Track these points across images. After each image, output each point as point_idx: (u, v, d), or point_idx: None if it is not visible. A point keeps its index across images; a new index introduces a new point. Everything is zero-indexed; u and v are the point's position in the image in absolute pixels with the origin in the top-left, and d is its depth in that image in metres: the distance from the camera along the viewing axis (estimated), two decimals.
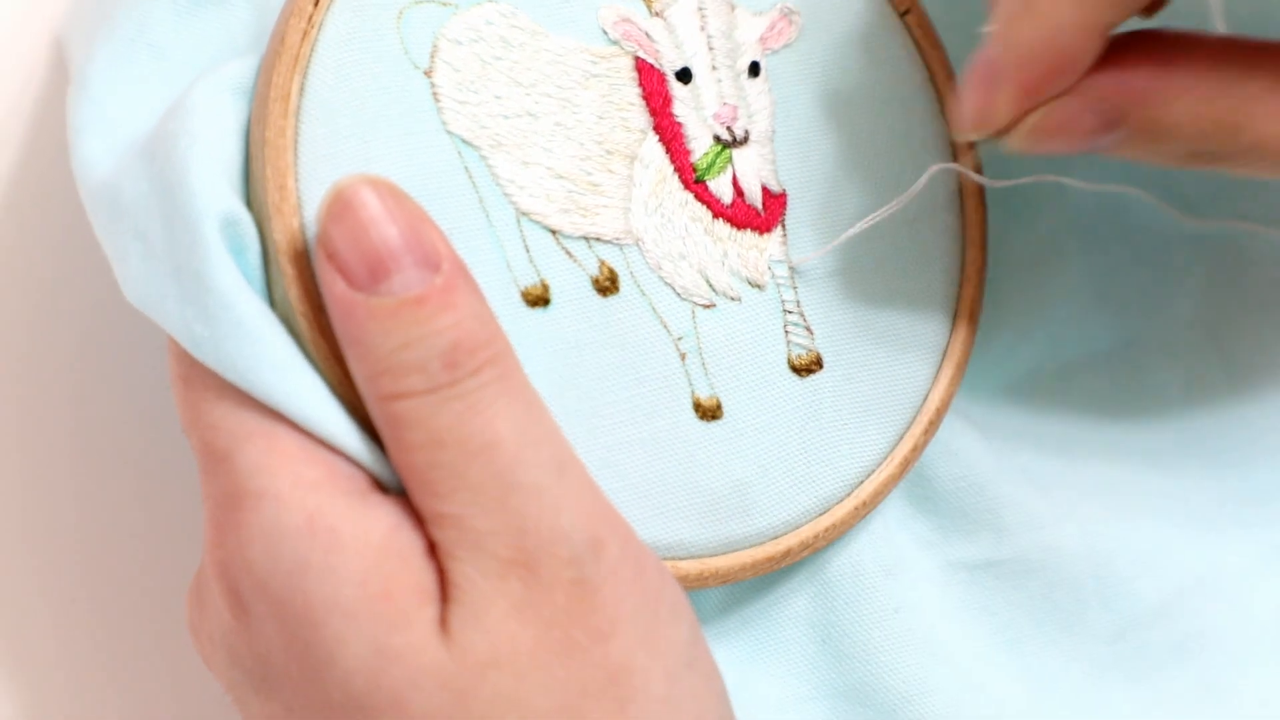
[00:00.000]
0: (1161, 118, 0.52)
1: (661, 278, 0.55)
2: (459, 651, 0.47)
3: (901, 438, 0.57)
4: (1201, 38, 0.52)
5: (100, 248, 0.52)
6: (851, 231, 0.56)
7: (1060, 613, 0.60)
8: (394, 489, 0.49)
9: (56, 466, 0.61)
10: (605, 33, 0.55)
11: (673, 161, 0.55)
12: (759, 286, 0.56)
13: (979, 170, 0.58)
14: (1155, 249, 0.64)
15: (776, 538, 0.56)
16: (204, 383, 0.49)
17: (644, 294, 0.54)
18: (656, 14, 0.55)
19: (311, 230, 0.50)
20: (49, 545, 0.61)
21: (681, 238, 0.55)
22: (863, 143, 0.57)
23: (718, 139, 0.56)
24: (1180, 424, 0.64)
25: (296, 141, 0.51)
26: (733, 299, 0.55)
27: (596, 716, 0.47)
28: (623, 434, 0.54)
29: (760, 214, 0.56)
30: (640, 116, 0.55)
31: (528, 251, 0.53)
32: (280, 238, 0.50)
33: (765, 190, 0.56)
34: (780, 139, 0.57)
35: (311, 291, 0.49)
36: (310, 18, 0.51)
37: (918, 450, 0.58)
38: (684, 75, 0.55)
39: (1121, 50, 0.52)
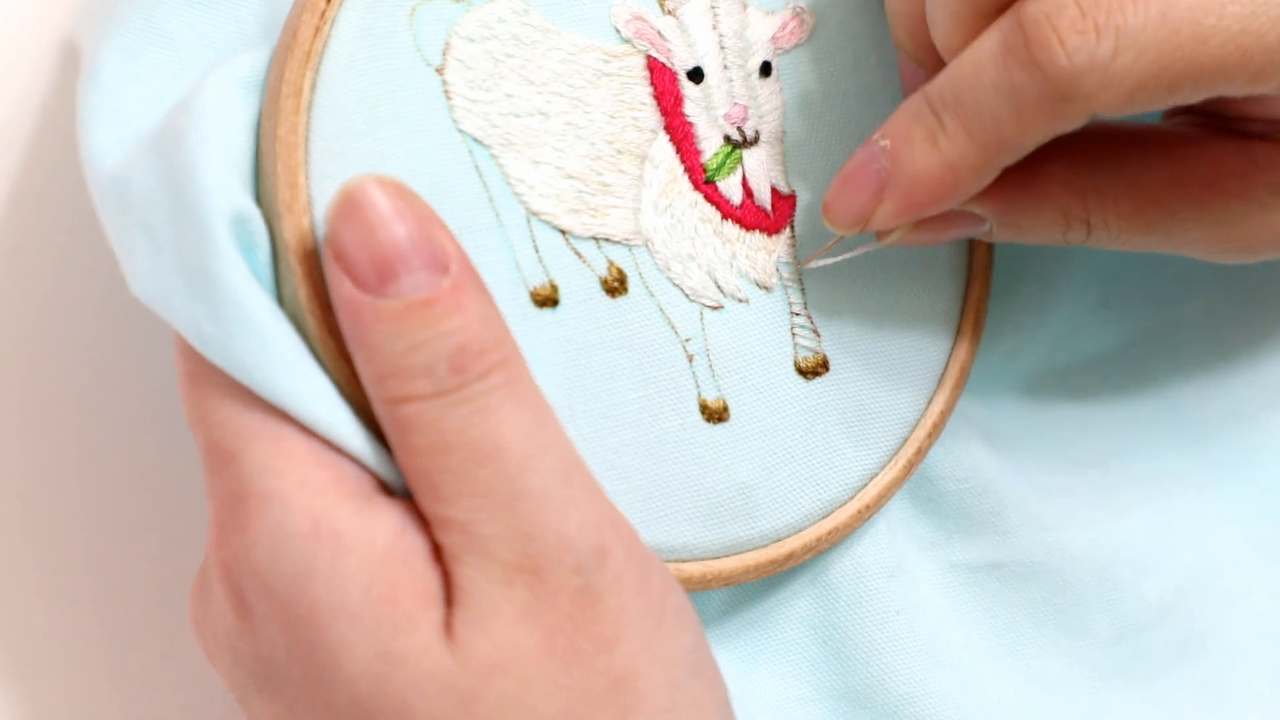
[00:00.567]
0: (1018, 222, 0.55)
1: (670, 279, 0.55)
2: (463, 656, 0.47)
3: (906, 441, 0.57)
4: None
5: (107, 241, 0.51)
6: (862, 249, 0.55)
7: (1062, 615, 0.60)
8: (400, 491, 0.49)
9: (60, 461, 0.61)
10: (617, 31, 0.55)
11: (683, 161, 0.55)
12: (767, 288, 0.56)
13: None
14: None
15: (780, 540, 0.56)
16: (211, 380, 0.49)
17: (652, 295, 0.54)
18: (669, 12, 0.55)
19: (321, 229, 0.49)
20: (52, 541, 0.61)
21: (691, 239, 0.55)
22: None
23: (728, 139, 0.56)
24: (1183, 425, 0.64)
25: (308, 138, 0.50)
26: (740, 301, 0.55)
27: None
28: (629, 435, 0.53)
29: (769, 215, 0.56)
30: (651, 116, 0.55)
31: (537, 252, 0.53)
32: (290, 236, 0.50)
33: (775, 191, 0.56)
34: (790, 140, 0.56)
35: (320, 290, 0.49)
36: (323, 13, 0.51)
37: (921, 453, 0.58)
38: (696, 75, 0.55)
39: None
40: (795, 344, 0.56)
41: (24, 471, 0.61)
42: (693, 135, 0.55)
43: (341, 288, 0.48)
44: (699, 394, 0.55)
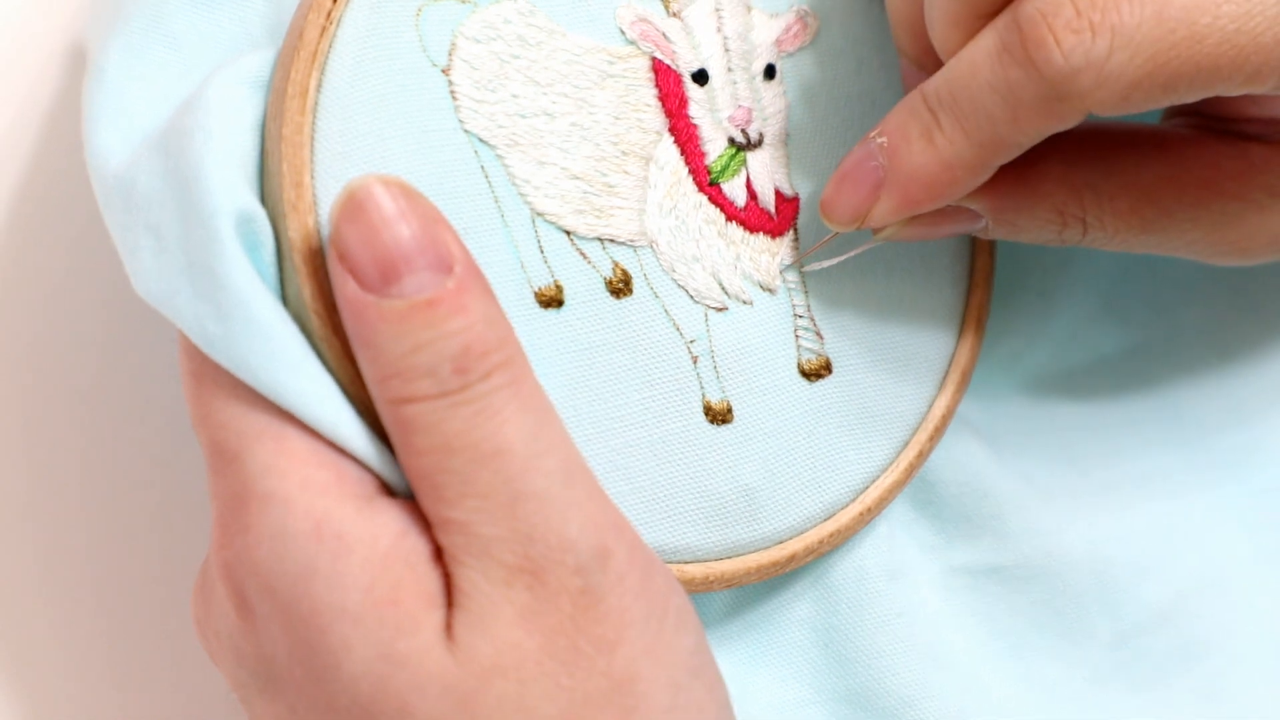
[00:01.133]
0: (1014, 219, 0.55)
1: (675, 280, 0.55)
2: (464, 657, 0.47)
3: (907, 444, 0.57)
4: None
5: (111, 240, 0.51)
6: (864, 247, 0.56)
7: (1062, 619, 0.60)
8: (402, 492, 0.49)
9: (63, 461, 0.61)
10: (622, 33, 0.55)
11: (688, 163, 0.55)
12: (770, 290, 0.56)
13: None
14: (1161, 256, 0.64)
15: (782, 542, 0.56)
16: (215, 380, 0.49)
17: (657, 296, 0.54)
18: (674, 14, 0.55)
19: (326, 229, 0.50)
20: (55, 540, 0.61)
21: (695, 240, 0.55)
22: None
23: (732, 141, 0.56)
24: (1184, 428, 0.64)
25: (313, 138, 0.50)
26: (745, 302, 0.55)
27: None
28: (633, 436, 0.54)
29: (773, 217, 0.56)
30: (656, 118, 0.55)
31: (542, 252, 0.53)
32: (295, 235, 0.50)
33: (778, 194, 0.56)
34: (794, 142, 0.56)
35: (325, 290, 0.49)
36: (329, 13, 0.51)
37: (923, 456, 0.58)
38: (700, 77, 0.55)
39: None
40: (798, 346, 0.56)
41: (27, 471, 0.61)
42: (697, 137, 0.55)
43: (345, 288, 0.48)
44: (703, 395, 0.55)
